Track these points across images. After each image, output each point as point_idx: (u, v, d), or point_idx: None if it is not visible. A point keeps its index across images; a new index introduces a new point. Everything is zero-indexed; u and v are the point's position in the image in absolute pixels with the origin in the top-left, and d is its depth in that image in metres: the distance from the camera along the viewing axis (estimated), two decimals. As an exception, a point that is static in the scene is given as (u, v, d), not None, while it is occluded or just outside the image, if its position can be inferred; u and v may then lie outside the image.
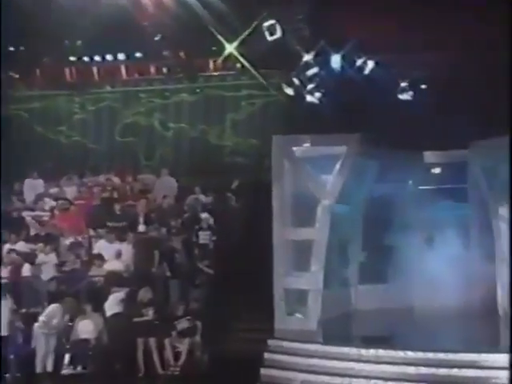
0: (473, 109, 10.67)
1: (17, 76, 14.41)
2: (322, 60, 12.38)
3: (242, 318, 9.22)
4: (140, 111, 14.63)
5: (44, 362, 8.67)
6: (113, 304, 9.00)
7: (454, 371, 6.94)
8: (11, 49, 13.65)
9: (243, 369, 7.79)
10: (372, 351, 7.47)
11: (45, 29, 13.01)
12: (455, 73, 11.20)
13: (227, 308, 9.17)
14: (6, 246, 10.04)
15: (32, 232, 10.83)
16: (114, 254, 9.95)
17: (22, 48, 13.92)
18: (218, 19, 12.61)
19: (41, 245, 10.08)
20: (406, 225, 10.30)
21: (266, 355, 8.13)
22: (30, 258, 9.88)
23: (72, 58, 14.37)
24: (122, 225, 10.68)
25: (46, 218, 11.25)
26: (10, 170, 11.94)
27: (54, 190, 12.21)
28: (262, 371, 7.95)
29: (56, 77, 14.53)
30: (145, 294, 9.04)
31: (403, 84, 12.06)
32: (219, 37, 12.92)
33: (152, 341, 8.68)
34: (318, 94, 12.30)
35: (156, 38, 13.56)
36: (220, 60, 13.68)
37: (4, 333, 8.50)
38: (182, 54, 14.04)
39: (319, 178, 9.06)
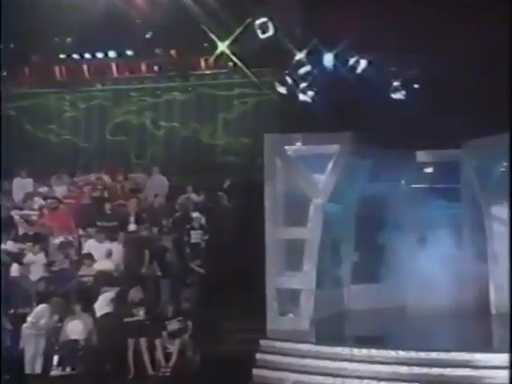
0: (466, 108, 10.68)
1: (5, 74, 14.23)
2: (315, 58, 12.35)
3: (234, 318, 9.16)
4: (131, 110, 14.53)
5: (33, 363, 8.55)
6: (103, 304, 8.91)
7: (447, 371, 6.92)
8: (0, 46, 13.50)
9: (235, 369, 7.73)
10: (365, 351, 7.44)
11: (34, 26, 12.88)
12: (448, 72, 11.20)
13: (219, 308, 9.11)
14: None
15: (20, 231, 10.70)
16: (104, 254, 9.86)
17: (11, 45, 13.76)
18: (210, 17, 12.54)
19: (29, 244, 9.96)
20: (399, 224, 10.28)
21: (258, 355, 8.08)
22: (18, 257, 9.75)
23: (62, 56, 14.24)
24: (113, 224, 10.59)
25: (34, 218, 11.13)
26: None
27: (43, 189, 12.09)
28: (255, 371, 7.90)
29: (46, 74, 14.40)
30: (135, 293, 8.96)
31: (396, 83, 12.06)
32: (211, 35, 12.85)
33: (143, 341, 8.59)
34: (310, 93, 12.26)
35: (147, 36, 13.48)
36: (212, 58, 13.60)
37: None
38: (173, 52, 13.96)
39: (312, 177, 9.01)
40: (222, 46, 13.09)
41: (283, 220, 8.93)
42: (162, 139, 14.38)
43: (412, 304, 10.01)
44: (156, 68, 14.18)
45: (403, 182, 10.69)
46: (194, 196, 11.83)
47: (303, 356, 7.73)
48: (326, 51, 12.33)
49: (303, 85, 12.28)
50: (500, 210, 9.20)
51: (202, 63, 14.08)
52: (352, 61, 12.23)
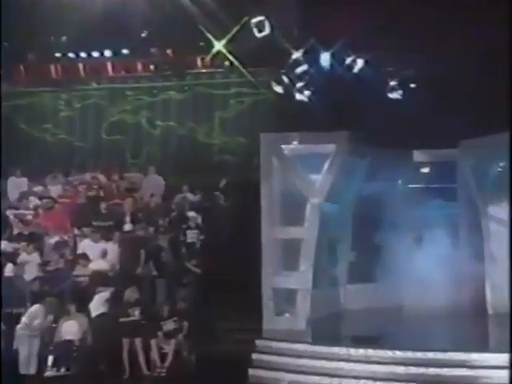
0: (462, 108, 10.68)
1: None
2: (312, 58, 12.33)
3: (230, 318, 9.12)
4: (127, 109, 14.47)
5: (27, 363, 8.48)
6: (98, 304, 8.86)
7: (444, 371, 6.91)
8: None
9: (231, 369, 7.69)
10: (361, 351, 7.42)
11: (30, 24, 12.81)
12: (445, 72, 11.20)
13: (215, 308, 9.07)
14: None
15: (15, 231, 10.63)
16: (99, 254, 9.80)
17: (5, 44, 13.68)
18: (206, 16, 12.49)
19: (24, 244, 9.89)
20: (396, 224, 10.27)
21: (255, 355, 8.05)
22: (12, 257, 9.69)
23: (58, 55, 14.16)
24: (108, 224, 10.53)
25: (29, 217, 11.06)
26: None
27: (38, 189, 12.02)
28: (251, 372, 7.87)
29: (41, 73, 14.33)
30: (131, 293, 8.91)
31: (392, 83, 12.05)
32: (207, 34, 12.80)
33: (138, 341, 8.54)
34: (307, 92, 12.25)
35: (143, 35, 13.42)
36: (208, 57, 13.56)
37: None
38: (169, 51, 13.91)
39: (308, 177, 8.99)
40: (219, 45, 13.05)
41: (280, 219, 8.91)
42: (158, 138, 14.32)
43: (409, 304, 10.01)
44: (152, 67, 14.13)
45: (400, 181, 10.68)
46: (190, 195, 11.78)
47: (299, 356, 7.70)
48: (322, 50, 12.32)
49: (300, 84, 12.26)
50: (497, 210, 9.21)
51: (199, 62, 14.03)
52: (349, 60, 12.23)
